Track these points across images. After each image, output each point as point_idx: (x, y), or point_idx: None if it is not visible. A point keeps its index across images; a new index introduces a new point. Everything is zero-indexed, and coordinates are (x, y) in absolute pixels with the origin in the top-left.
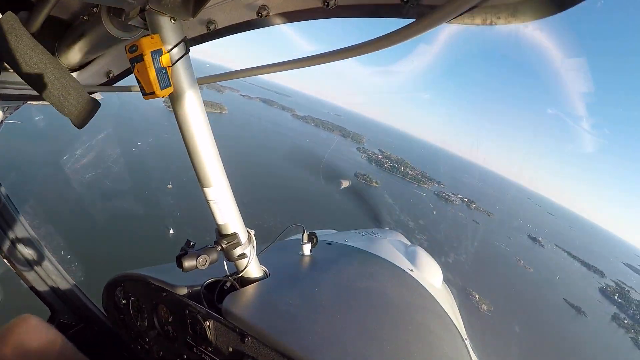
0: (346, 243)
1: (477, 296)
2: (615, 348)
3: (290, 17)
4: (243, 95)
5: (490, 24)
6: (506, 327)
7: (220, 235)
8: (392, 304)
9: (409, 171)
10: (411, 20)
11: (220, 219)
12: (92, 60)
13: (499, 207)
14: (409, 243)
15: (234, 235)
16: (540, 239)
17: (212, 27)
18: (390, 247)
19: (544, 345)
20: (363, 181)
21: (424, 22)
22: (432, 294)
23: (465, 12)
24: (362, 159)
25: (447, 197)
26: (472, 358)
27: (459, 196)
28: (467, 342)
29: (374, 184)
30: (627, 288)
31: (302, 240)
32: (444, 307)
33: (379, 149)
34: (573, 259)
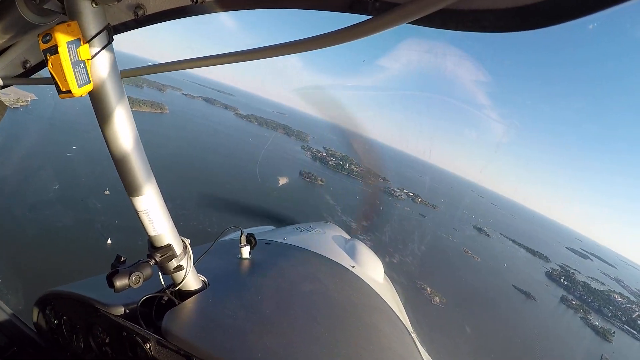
0: (285, 241)
1: (428, 289)
2: (566, 328)
3: (230, 4)
4: (185, 94)
5: (450, 28)
6: (459, 317)
7: (153, 247)
8: (337, 305)
9: (354, 168)
10: (367, 18)
11: (152, 231)
12: (6, 49)
13: (444, 200)
14: (347, 236)
15: (169, 247)
16: (485, 229)
17: (140, 12)
18: (330, 243)
19: (498, 331)
20: (308, 179)
21: (381, 20)
22: (375, 289)
23: (428, 14)
24: (307, 157)
25: (392, 192)
26: (419, 351)
27: (404, 191)
28: (414, 335)
29: (319, 181)
30: (571, 270)
31: (240, 243)
32: (387, 302)
33: (323, 147)
34: (518, 246)
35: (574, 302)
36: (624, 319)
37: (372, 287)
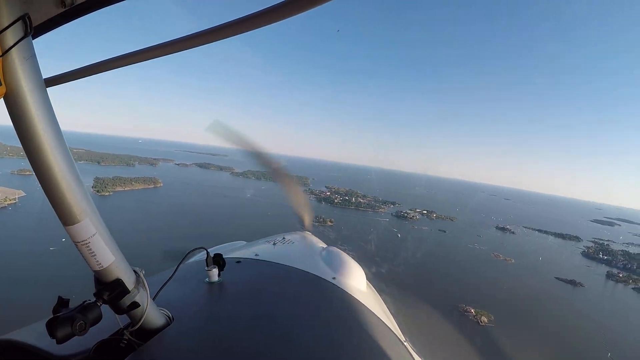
0: (257, 257)
1: (472, 311)
2: (622, 303)
3: None
4: (178, 164)
5: None
6: (514, 331)
7: (100, 284)
8: (321, 322)
9: (361, 200)
10: None
11: (96, 265)
12: None
13: (458, 209)
14: (324, 245)
15: (118, 282)
16: (508, 226)
17: (68, 1)
18: (307, 254)
19: (560, 333)
20: (316, 223)
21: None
22: (360, 300)
23: None
24: (312, 200)
25: (406, 214)
26: (411, 355)
27: (417, 210)
28: (407, 344)
29: (329, 223)
30: (605, 242)
31: (207, 265)
32: (374, 312)
33: (325, 186)
34: (546, 234)
35: (621, 275)
36: None
37: (357, 297)
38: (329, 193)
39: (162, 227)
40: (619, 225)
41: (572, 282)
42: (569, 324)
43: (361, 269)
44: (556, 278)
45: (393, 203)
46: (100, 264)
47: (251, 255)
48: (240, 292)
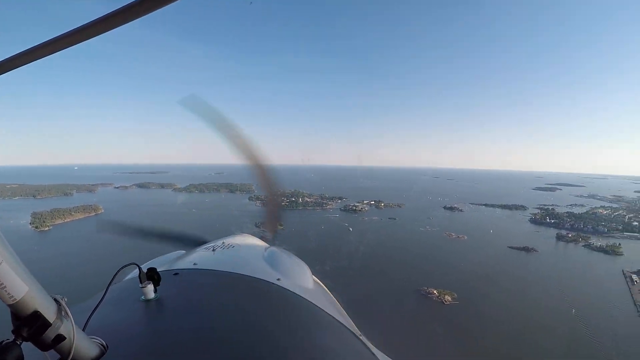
0: (196, 267)
1: (435, 292)
2: (578, 262)
3: None
4: (117, 187)
5: None
6: (478, 304)
7: (17, 320)
8: (268, 328)
9: (307, 199)
10: None
11: (8, 298)
12: None
13: (405, 195)
14: (265, 245)
15: (36, 314)
16: (455, 205)
17: None
18: (248, 258)
19: (521, 295)
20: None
21: None
22: (308, 298)
23: None
24: (258, 206)
25: (354, 207)
26: (373, 352)
27: (365, 202)
28: (363, 338)
29: (279, 226)
30: (550, 207)
31: (141, 282)
32: (324, 309)
33: None
34: (492, 207)
35: (570, 235)
36: (620, 227)
37: (304, 296)
38: None
39: (107, 255)
40: (560, 189)
41: (526, 249)
42: (530, 288)
43: (306, 266)
44: (509, 247)
45: (340, 198)
46: (12, 296)
47: (189, 265)
48: (179, 307)
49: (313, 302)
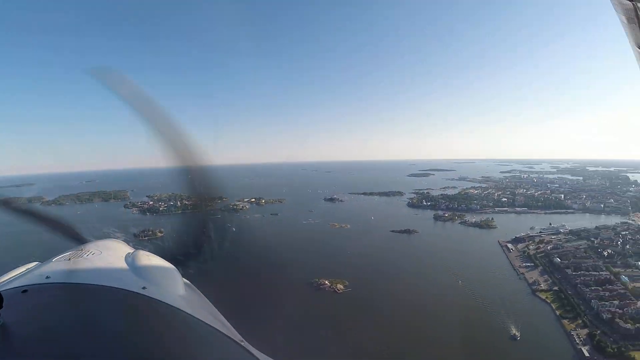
0: (49, 281)
1: (327, 282)
2: (454, 237)
3: None
4: None
5: None
6: (370, 288)
7: None
8: (133, 343)
9: (186, 202)
10: None
11: None
12: None
13: (285, 190)
14: (131, 249)
15: None
16: (335, 196)
17: None
18: (110, 266)
19: (409, 274)
20: (144, 238)
21: None
22: (178, 306)
23: None
24: (135, 214)
25: (235, 206)
26: (252, 353)
27: (245, 200)
28: (243, 342)
29: (159, 234)
30: (425, 191)
31: None
32: (196, 315)
33: (146, 196)
34: (371, 195)
35: (446, 215)
36: (490, 204)
37: (174, 305)
38: (151, 202)
39: None
40: (433, 174)
41: (407, 231)
42: (417, 267)
43: (176, 270)
44: (392, 231)
45: (220, 198)
46: None
47: (41, 279)
48: (27, 333)
49: (184, 309)
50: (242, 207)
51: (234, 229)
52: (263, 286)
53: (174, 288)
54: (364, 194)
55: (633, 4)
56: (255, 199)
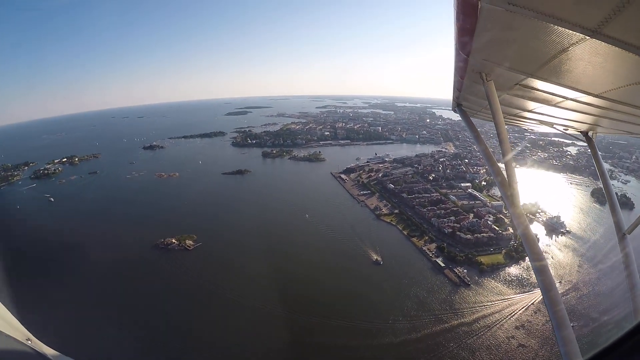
0: None
1: (174, 240)
2: (287, 172)
3: None
4: None
5: None
6: (222, 236)
7: None
8: None
9: None
10: None
11: None
12: None
13: (98, 142)
14: None
15: None
16: (154, 143)
17: None
18: None
19: (254, 211)
20: None
21: None
22: None
23: None
24: None
25: (47, 171)
26: (36, 351)
27: (56, 161)
28: (23, 338)
29: None
30: (247, 129)
31: None
32: None
33: None
34: (192, 138)
35: (274, 152)
36: (315, 138)
37: None
38: None
39: None
40: (251, 112)
41: (239, 172)
42: (260, 208)
43: None
44: (223, 174)
45: (26, 164)
46: None
47: None
48: None
49: None
50: (55, 170)
51: (52, 199)
52: (101, 257)
53: None
54: (184, 137)
55: None
56: (67, 158)
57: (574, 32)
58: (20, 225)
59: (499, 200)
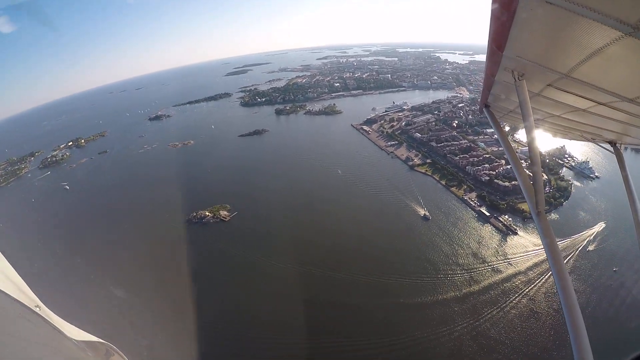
0: None
1: (208, 213)
2: (304, 129)
3: None
4: None
5: None
6: (255, 208)
7: None
8: None
9: None
10: None
11: None
12: None
13: (101, 121)
14: None
15: None
16: (160, 113)
17: None
18: None
19: (281, 171)
20: None
21: None
22: None
23: None
24: None
25: (55, 158)
26: (50, 322)
27: (62, 146)
28: (37, 308)
29: None
30: (252, 88)
31: None
32: None
33: None
34: (197, 103)
35: (287, 108)
36: (326, 90)
37: None
38: None
39: None
40: (251, 69)
41: (257, 132)
42: (287, 168)
43: None
44: (240, 136)
45: (32, 154)
46: None
47: None
48: None
49: None
50: (62, 155)
51: (67, 187)
52: (135, 234)
53: None
54: (189, 103)
55: None
56: (72, 141)
57: (613, 29)
58: (44, 221)
59: (525, 146)
